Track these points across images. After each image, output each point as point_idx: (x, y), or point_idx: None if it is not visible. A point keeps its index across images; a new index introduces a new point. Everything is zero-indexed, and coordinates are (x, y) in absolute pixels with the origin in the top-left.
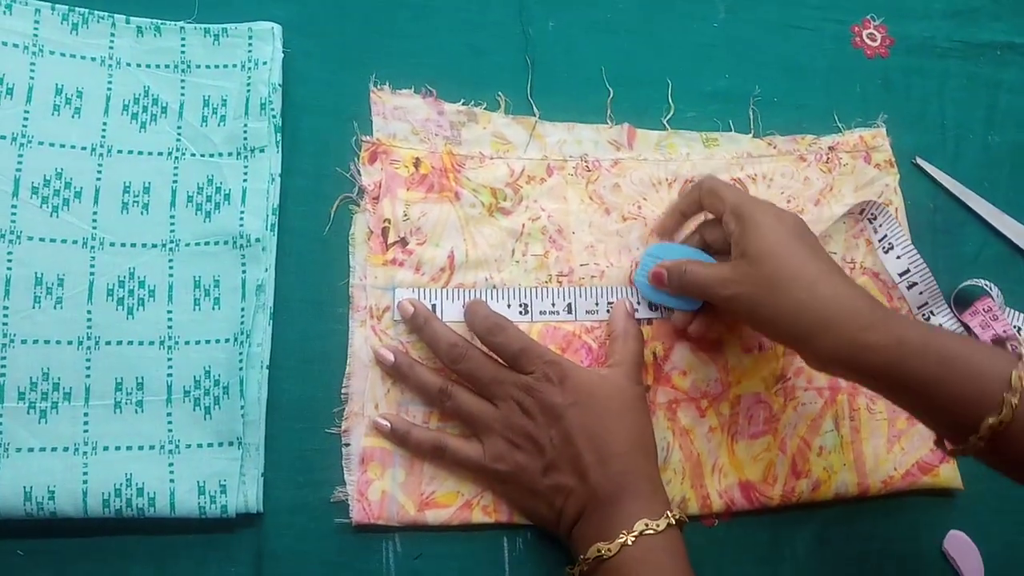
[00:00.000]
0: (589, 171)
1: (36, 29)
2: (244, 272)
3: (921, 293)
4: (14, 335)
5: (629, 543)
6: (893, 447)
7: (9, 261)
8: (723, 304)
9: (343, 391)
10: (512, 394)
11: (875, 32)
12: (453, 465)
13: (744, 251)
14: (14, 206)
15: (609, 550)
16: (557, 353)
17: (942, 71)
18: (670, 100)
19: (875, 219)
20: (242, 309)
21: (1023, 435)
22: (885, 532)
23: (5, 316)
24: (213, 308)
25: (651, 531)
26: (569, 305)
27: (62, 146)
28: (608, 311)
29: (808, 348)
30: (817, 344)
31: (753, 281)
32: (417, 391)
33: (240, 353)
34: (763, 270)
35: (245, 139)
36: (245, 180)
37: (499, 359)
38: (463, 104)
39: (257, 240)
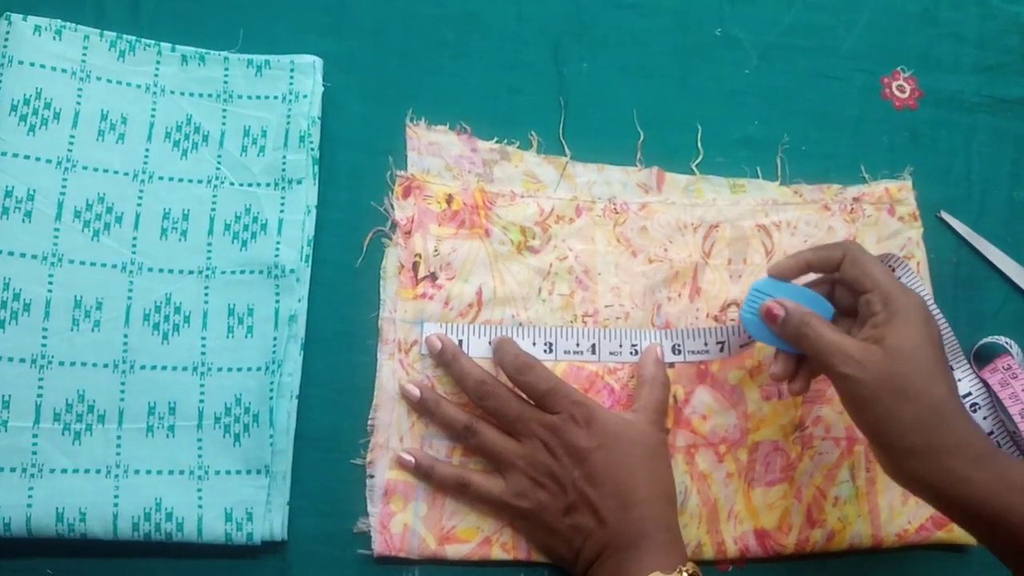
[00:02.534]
0: (617, 213)
1: (84, 55)
2: (278, 302)
3: None
4: (52, 356)
5: None
6: (908, 500)
7: (50, 283)
8: (830, 375)
9: (369, 423)
10: (537, 433)
11: (904, 84)
12: (475, 500)
13: (883, 339)
14: (57, 229)
15: None
16: (584, 394)
17: (970, 125)
18: (699, 145)
19: (893, 272)
20: (274, 338)
21: None
22: None
23: (44, 338)
24: (246, 336)
25: None
26: (593, 345)
27: (105, 171)
28: (632, 353)
29: (898, 462)
30: (914, 464)
31: (879, 373)
32: (442, 427)
33: (271, 382)
34: (896, 368)
35: (283, 170)
36: (282, 211)
37: (526, 397)
38: (496, 142)
39: (292, 271)
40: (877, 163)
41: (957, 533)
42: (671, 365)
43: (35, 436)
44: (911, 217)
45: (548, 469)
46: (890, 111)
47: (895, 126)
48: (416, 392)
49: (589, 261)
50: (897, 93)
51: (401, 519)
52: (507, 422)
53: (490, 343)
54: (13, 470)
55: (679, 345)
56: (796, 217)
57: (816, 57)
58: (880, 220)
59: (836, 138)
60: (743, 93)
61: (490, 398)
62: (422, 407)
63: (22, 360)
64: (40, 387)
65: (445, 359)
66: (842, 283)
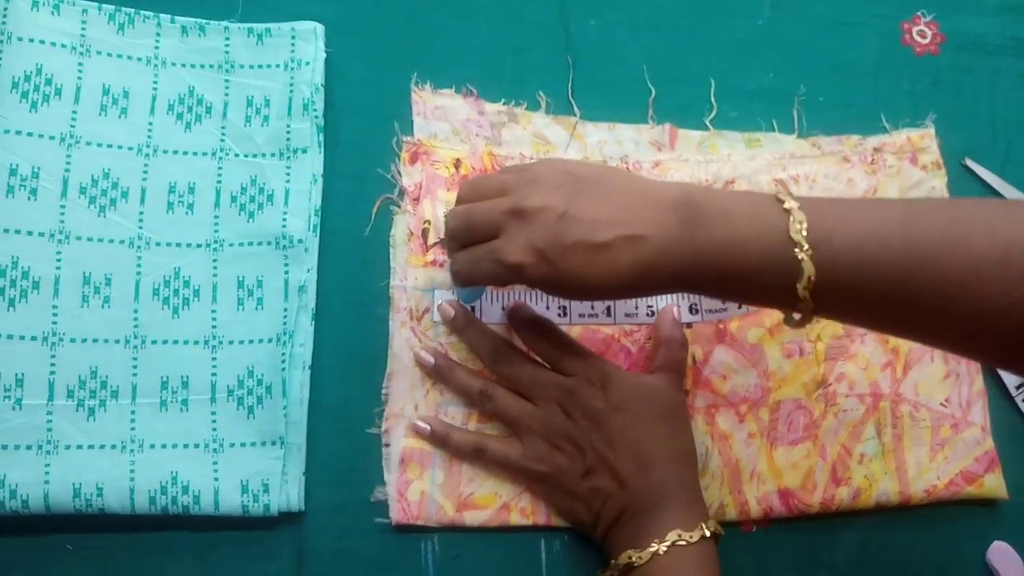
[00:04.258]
0: (630, 172)
1: (83, 29)
2: (287, 273)
3: None
4: (63, 334)
5: (660, 552)
6: (936, 456)
7: (58, 261)
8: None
9: (383, 392)
10: (554, 396)
11: (925, 29)
12: (493, 465)
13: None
14: (63, 206)
15: (640, 558)
16: (600, 357)
17: (993, 69)
18: (713, 99)
19: None
20: (285, 309)
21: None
22: (927, 541)
23: (55, 315)
24: (256, 308)
25: (683, 542)
26: (608, 308)
27: (109, 146)
28: (648, 314)
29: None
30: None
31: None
32: (458, 393)
33: (283, 353)
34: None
35: (288, 140)
36: (288, 181)
37: (541, 361)
38: (504, 104)
39: (300, 241)
40: (898, 112)
41: (987, 487)
42: (688, 325)
43: (49, 413)
44: (934, 165)
45: (565, 432)
46: (911, 57)
47: (916, 73)
48: (430, 359)
49: None
50: (918, 38)
51: (418, 487)
52: (523, 386)
53: (503, 308)
54: (29, 448)
55: (696, 304)
56: (815, 170)
57: (832, 3)
58: (902, 170)
59: (855, 87)
60: (757, 44)
61: (505, 363)
62: (436, 374)
63: (33, 338)
64: (52, 364)
65: (458, 326)
66: None
